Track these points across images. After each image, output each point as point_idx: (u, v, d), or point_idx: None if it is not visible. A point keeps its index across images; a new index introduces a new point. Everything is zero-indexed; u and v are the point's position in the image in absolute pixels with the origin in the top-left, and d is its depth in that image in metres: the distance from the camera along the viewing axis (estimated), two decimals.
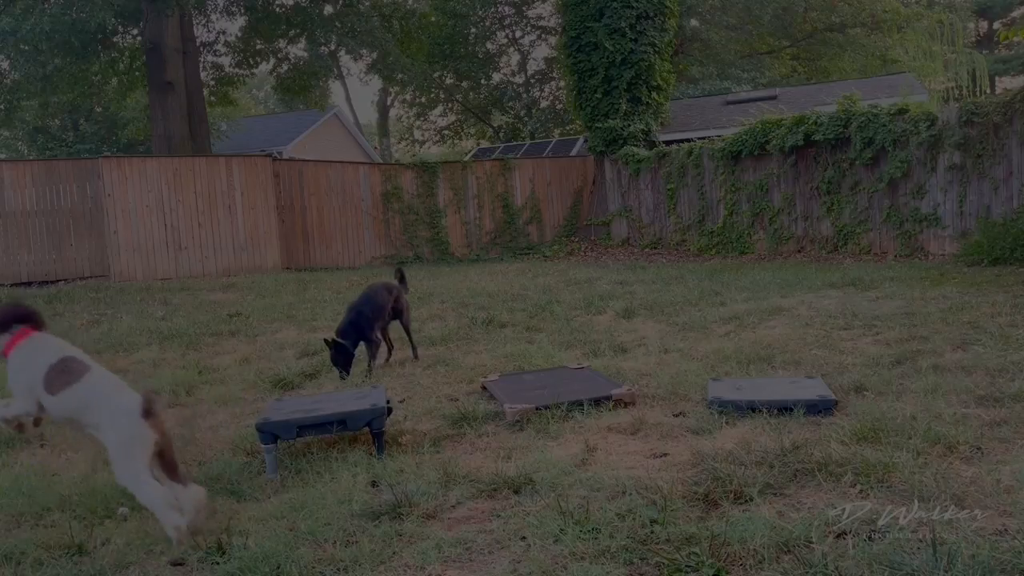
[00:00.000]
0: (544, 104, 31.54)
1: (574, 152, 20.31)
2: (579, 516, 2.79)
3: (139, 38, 17.65)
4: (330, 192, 15.27)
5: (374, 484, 3.35)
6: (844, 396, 4.26)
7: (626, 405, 4.39)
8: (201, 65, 18.79)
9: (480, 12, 30.21)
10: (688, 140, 15.98)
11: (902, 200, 11.38)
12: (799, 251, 12.68)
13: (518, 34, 32.72)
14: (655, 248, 15.06)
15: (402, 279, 6.48)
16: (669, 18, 15.98)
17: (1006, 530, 2.53)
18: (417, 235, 16.02)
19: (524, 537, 2.73)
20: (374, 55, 20.24)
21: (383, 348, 6.03)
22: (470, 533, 2.81)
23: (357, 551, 2.71)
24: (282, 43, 20.23)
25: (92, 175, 13.16)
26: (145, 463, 2.97)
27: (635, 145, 15.64)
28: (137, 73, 18.93)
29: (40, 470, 3.95)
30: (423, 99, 33.21)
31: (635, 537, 2.61)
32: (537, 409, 4.32)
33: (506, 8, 31.45)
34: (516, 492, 3.17)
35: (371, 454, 3.79)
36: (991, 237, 9.69)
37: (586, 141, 16.76)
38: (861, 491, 2.93)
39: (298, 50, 21.11)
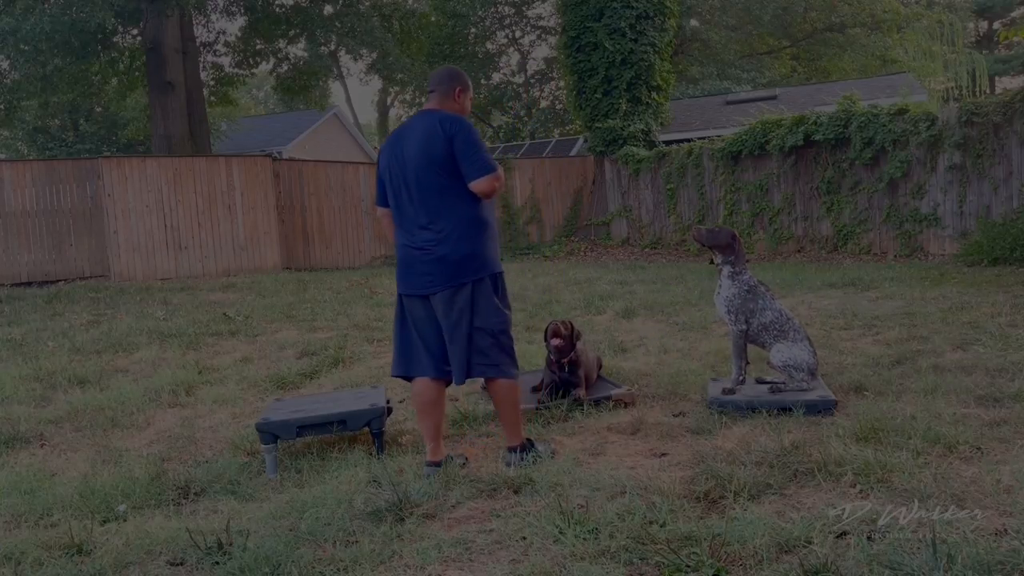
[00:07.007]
0: (544, 104, 31.52)
1: (574, 152, 20.30)
2: (579, 516, 2.79)
3: (139, 38, 17.63)
4: (330, 192, 15.25)
5: (374, 484, 3.35)
6: (844, 396, 4.26)
7: (626, 405, 4.39)
8: (201, 65, 18.76)
9: (480, 12, 30.18)
10: (688, 140, 15.97)
11: (902, 200, 11.38)
12: (799, 251, 12.68)
13: (518, 34, 32.71)
14: (655, 248, 15.06)
15: None
16: (669, 18, 15.97)
17: (1006, 530, 2.53)
18: None
19: (524, 537, 2.73)
20: (374, 55, 20.23)
21: None
22: (470, 533, 2.81)
23: (357, 551, 2.71)
24: (282, 43, 20.19)
25: (92, 175, 13.15)
26: None
27: (635, 145, 15.63)
28: (137, 73, 18.90)
29: (40, 470, 3.94)
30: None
31: (635, 537, 2.61)
32: (537, 409, 4.34)
33: (506, 8, 31.43)
34: (516, 492, 3.17)
35: (371, 454, 3.79)
36: (991, 237, 9.70)
37: (586, 141, 16.74)
38: (861, 491, 2.93)
39: (298, 50, 21.10)
